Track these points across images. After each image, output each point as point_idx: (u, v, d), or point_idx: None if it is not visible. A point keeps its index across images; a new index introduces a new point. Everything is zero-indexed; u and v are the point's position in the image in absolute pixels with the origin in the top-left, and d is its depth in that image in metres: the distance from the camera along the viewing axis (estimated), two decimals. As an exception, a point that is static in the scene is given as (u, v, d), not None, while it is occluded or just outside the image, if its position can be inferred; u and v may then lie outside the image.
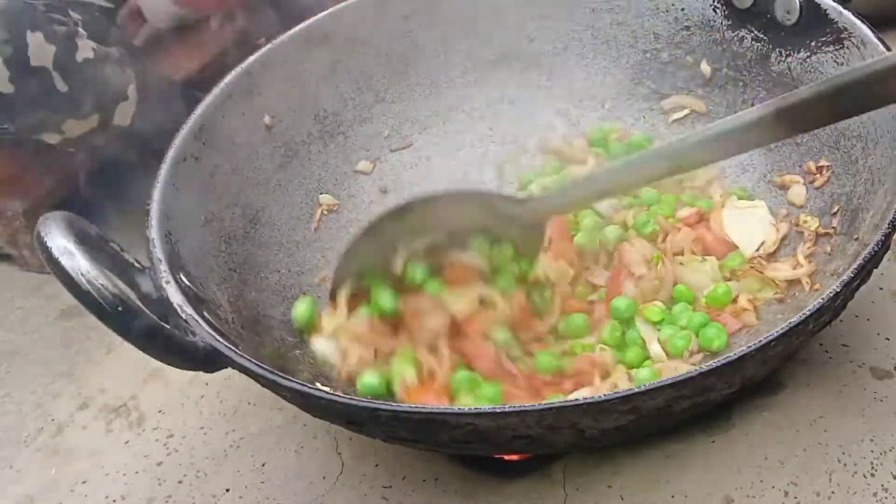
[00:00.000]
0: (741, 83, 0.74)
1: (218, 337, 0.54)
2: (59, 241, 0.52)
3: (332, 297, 0.65)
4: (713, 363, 0.49)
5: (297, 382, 0.51)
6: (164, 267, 0.58)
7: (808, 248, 0.65)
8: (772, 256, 0.67)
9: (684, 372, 0.49)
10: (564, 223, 0.68)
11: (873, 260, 0.52)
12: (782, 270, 0.65)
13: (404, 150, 0.81)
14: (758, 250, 0.67)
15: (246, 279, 0.67)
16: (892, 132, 0.60)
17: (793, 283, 0.64)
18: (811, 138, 0.68)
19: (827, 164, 0.67)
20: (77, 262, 0.52)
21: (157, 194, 0.63)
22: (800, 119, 0.51)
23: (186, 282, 0.58)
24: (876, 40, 0.62)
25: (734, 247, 0.68)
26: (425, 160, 0.80)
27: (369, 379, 0.61)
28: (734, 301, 0.64)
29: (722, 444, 0.60)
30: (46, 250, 0.52)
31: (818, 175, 0.67)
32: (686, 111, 0.77)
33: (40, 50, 0.76)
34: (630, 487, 0.59)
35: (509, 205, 0.66)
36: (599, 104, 0.80)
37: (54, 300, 0.84)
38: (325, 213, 0.76)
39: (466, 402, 0.59)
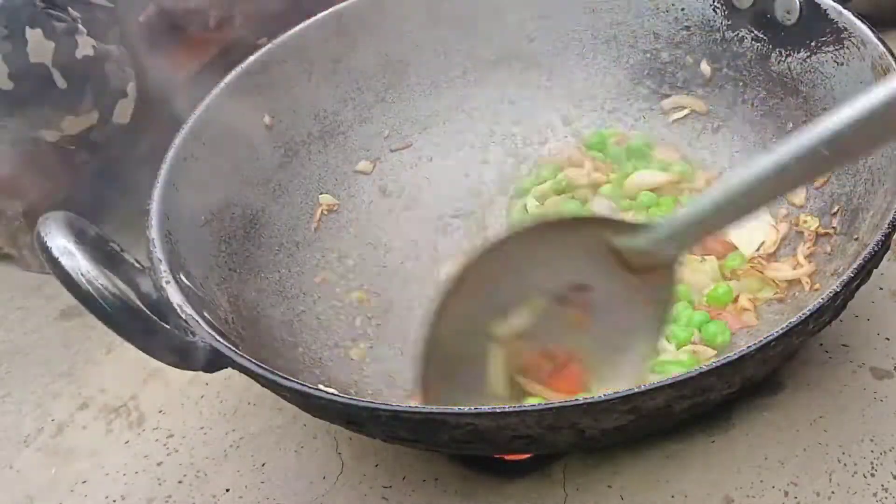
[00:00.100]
0: (741, 83, 0.74)
1: (218, 337, 0.54)
2: (59, 241, 0.52)
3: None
4: (713, 363, 0.49)
5: (297, 382, 0.51)
6: (164, 267, 0.58)
7: (809, 248, 0.65)
8: (772, 256, 0.67)
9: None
10: None
11: (873, 260, 0.52)
12: (782, 270, 0.65)
13: (404, 150, 0.81)
14: (758, 250, 0.67)
15: (246, 279, 0.67)
16: (892, 132, 0.60)
17: (793, 283, 0.64)
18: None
19: (827, 164, 0.67)
20: (77, 262, 0.51)
21: (157, 194, 0.63)
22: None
23: (186, 282, 0.58)
24: (876, 40, 0.62)
25: (733, 247, 0.68)
26: (425, 160, 0.81)
27: None
28: (735, 301, 0.64)
29: (722, 444, 0.60)
30: (46, 250, 0.52)
31: (818, 175, 0.67)
32: (686, 111, 0.77)
33: (40, 46, 0.76)
34: (630, 487, 0.59)
35: (629, 232, 0.53)
36: (599, 104, 0.80)
37: (54, 300, 0.84)
38: (325, 213, 0.76)
39: None
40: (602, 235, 0.53)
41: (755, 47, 0.72)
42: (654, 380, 0.48)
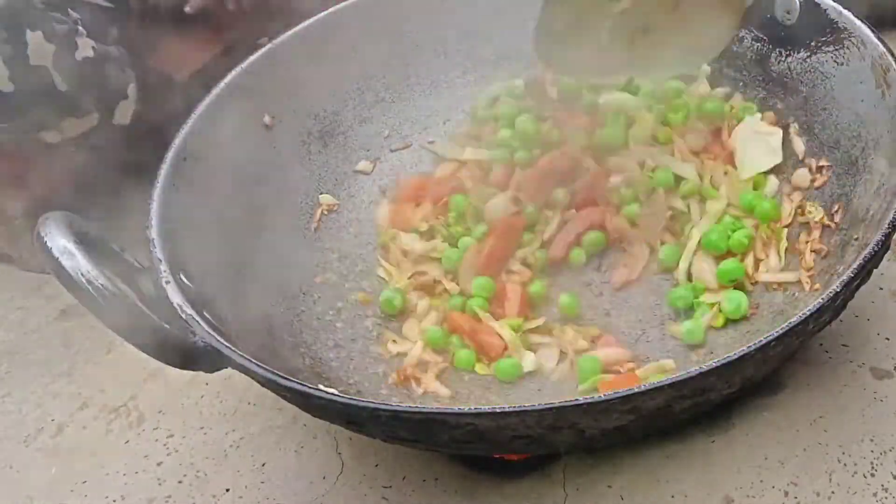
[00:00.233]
0: (741, 83, 0.74)
1: (218, 337, 0.54)
2: (59, 241, 0.52)
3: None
4: (713, 363, 0.49)
5: (297, 382, 0.51)
6: (164, 267, 0.58)
7: (815, 239, 0.64)
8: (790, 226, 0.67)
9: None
10: None
11: (873, 260, 0.52)
12: (780, 275, 0.65)
13: (404, 150, 0.81)
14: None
15: (246, 279, 0.67)
16: (893, 132, 0.60)
17: (793, 282, 0.64)
18: (811, 138, 0.68)
19: (827, 164, 0.67)
20: (77, 262, 0.52)
21: (157, 194, 0.63)
22: None
23: (186, 282, 0.58)
24: (876, 40, 0.62)
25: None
26: (425, 160, 0.80)
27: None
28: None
29: (722, 444, 0.60)
30: (46, 250, 0.52)
31: (818, 175, 0.67)
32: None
33: (40, 48, 0.76)
34: (630, 487, 0.59)
35: None
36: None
37: (54, 300, 0.84)
38: (325, 213, 0.76)
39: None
40: None
41: (755, 47, 0.72)
42: (654, 380, 0.49)
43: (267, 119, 0.74)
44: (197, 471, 0.66)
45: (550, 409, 0.48)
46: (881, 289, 0.67)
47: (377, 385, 0.65)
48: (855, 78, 0.64)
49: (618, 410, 0.49)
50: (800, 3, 0.68)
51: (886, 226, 0.53)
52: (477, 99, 0.80)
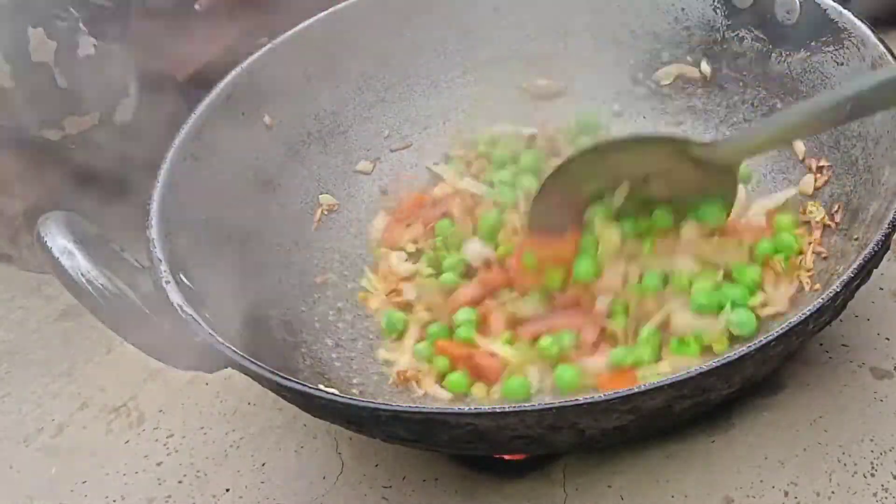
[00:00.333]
0: (741, 83, 0.74)
1: (218, 337, 0.54)
2: (59, 241, 0.52)
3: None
4: (713, 363, 0.49)
5: (298, 382, 0.51)
6: (164, 267, 0.58)
7: (817, 239, 0.64)
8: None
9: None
10: None
11: (873, 260, 0.52)
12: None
13: (404, 150, 0.81)
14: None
15: (246, 279, 0.67)
16: (892, 132, 0.60)
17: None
18: (811, 138, 0.68)
19: (827, 164, 0.67)
20: (77, 262, 0.52)
21: (157, 194, 0.63)
22: None
23: (186, 282, 0.58)
24: (876, 40, 0.62)
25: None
26: (426, 160, 0.80)
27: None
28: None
29: (722, 444, 0.60)
30: (46, 250, 0.52)
31: (818, 175, 0.67)
32: (686, 110, 0.77)
33: (42, 46, 0.76)
34: (630, 487, 0.59)
35: (697, 148, 0.63)
36: (599, 104, 0.80)
37: (54, 300, 0.84)
38: (325, 213, 0.76)
39: None
40: (672, 145, 0.63)
41: (755, 47, 0.72)
42: (654, 380, 0.49)
43: (267, 119, 0.74)
44: (197, 471, 0.66)
45: (550, 409, 0.48)
46: (881, 289, 0.67)
47: (378, 385, 0.65)
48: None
49: (618, 410, 0.49)
50: (800, 3, 0.68)
51: (886, 226, 0.53)
52: (479, 130, 0.79)
